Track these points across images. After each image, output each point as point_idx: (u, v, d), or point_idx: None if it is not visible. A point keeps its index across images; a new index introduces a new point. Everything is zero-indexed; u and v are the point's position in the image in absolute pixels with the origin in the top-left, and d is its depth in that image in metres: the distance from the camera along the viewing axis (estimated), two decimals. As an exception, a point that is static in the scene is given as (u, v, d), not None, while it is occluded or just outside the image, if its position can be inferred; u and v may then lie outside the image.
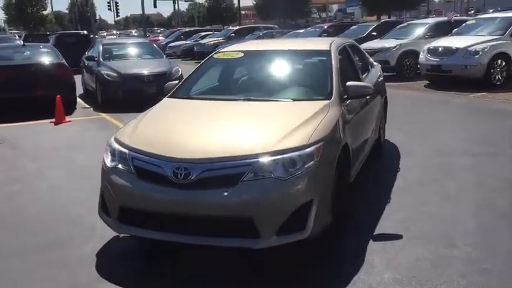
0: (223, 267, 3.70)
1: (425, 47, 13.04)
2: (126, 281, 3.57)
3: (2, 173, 6.37)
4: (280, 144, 3.62)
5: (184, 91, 4.91)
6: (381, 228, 4.24)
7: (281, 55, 5.24)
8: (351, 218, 4.33)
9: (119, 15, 55.55)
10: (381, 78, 6.53)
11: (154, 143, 3.83)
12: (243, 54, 5.21)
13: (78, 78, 12.82)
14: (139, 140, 3.92)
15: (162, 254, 3.89)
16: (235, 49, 5.35)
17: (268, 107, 4.38)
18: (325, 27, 21.07)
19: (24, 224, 4.64)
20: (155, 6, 69.73)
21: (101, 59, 11.73)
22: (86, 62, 12.55)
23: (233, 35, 25.62)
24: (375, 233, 4.15)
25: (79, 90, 13.01)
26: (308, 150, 3.60)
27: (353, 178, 4.67)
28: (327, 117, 4.04)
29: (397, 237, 4.05)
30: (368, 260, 3.69)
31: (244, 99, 4.55)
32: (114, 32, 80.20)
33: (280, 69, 5.11)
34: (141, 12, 46.47)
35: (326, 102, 4.29)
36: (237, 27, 29.77)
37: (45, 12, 58.30)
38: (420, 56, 13.21)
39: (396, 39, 15.20)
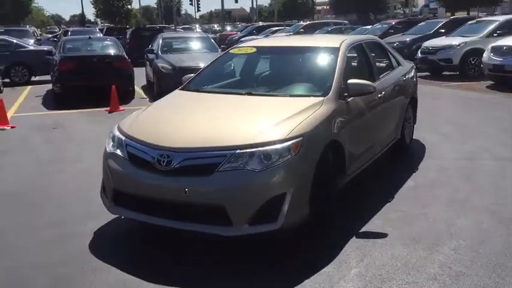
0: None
1: (490, 46, 12.42)
2: (113, 257, 3.86)
3: (45, 155, 6.97)
4: (258, 137, 3.75)
5: (195, 84, 5.15)
6: (370, 226, 4.25)
7: (291, 52, 5.35)
8: (341, 214, 4.39)
9: (199, 10, 57.32)
10: (407, 78, 6.38)
11: (146, 131, 4.11)
12: (256, 50, 5.38)
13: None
14: (136, 128, 4.22)
15: (159, 238, 4.15)
16: (251, 45, 5.51)
17: (264, 102, 4.51)
18: (393, 23, 20.53)
19: (44, 202, 5.09)
20: (236, 1, 70.93)
21: (159, 52, 12.31)
22: (147, 55, 13.20)
23: (302, 30, 25.61)
24: (361, 231, 4.18)
25: (143, 81, 13.76)
26: (284, 144, 3.71)
27: (351, 177, 4.70)
28: (315, 114, 4.12)
29: (382, 236, 4.06)
30: (342, 255, 3.74)
31: (245, 93, 4.72)
32: (197, 25, 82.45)
33: (287, 65, 5.22)
34: (224, 7, 47.74)
35: (320, 98, 4.36)
36: (306, 23, 29.69)
37: (131, 7, 61.74)
38: (484, 55, 12.59)
39: (462, 36, 14.57)
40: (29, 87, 14.79)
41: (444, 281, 3.37)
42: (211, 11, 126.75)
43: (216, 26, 78.99)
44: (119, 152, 4.08)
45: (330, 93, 4.45)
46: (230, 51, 5.58)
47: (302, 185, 3.76)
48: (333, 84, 4.54)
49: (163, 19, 64.49)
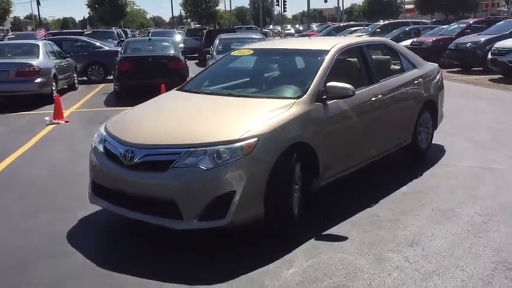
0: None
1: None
2: (83, 243, 4.21)
3: (82, 147, 7.54)
4: (212, 136, 3.91)
5: (190, 84, 5.41)
6: (337, 229, 4.24)
7: (284, 54, 5.44)
8: (313, 214, 4.43)
9: (285, 11, 57.61)
10: (423, 81, 6.14)
11: (121, 127, 4.43)
12: (252, 52, 5.52)
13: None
14: (116, 124, 4.56)
15: (138, 232, 4.44)
16: (250, 47, 5.66)
17: (239, 103, 4.63)
18: (471, 22, 19.48)
19: (55, 189, 5.59)
20: (326, 1, 70.63)
21: (214, 52, 12.75)
22: (206, 55, 13.70)
23: (378, 30, 25.05)
24: (324, 233, 4.19)
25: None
26: (236, 145, 3.84)
27: (329, 180, 4.70)
28: (281, 115, 4.19)
29: (341, 239, 4.05)
30: (290, 255, 3.80)
31: (227, 95, 4.88)
32: (289, 26, 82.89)
33: (276, 68, 5.30)
34: (315, 7, 48.04)
35: (292, 101, 4.42)
36: (384, 23, 28.93)
37: (218, 8, 64.21)
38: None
39: (538, 38, 13.59)
40: (102, 85, 15.89)
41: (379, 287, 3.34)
42: (303, 11, 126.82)
43: (298, 26, 78.93)
44: (100, 146, 4.42)
45: (305, 95, 4.49)
46: (231, 53, 5.76)
47: (253, 185, 3.86)
48: (311, 86, 4.57)
49: (253, 19, 65.75)
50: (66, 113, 10.38)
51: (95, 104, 12.05)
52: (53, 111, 9.75)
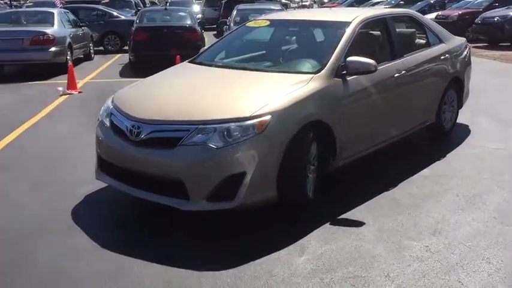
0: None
1: None
2: (86, 222, 4.05)
3: (94, 117, 7.39)
4: (223, 113, 3.67)
5: (202, 56, 5.13)
6: (353, 214, 4.00)
7: (303, 26, 5.12)
8: (328, 197, 4.20)
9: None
10: (449, 57, 5.77)
11: (129, 101, 4.20)
12: (269, 23, 5.21)
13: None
14: (123, 98, 4.33)
15: (143, 212, 4.25)
16: (266, 18, 5.35)
17: (253, 78, 4.36)
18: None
19: (63, 162, 5.42)
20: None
21: (231, 23, 12.41)
22: (223, 26, 13.36)
23: (402, 2, 24.21)
24: (339, 217, 3.95)
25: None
26: (248, 122, 3.59)
27: (347, 161, 4.45)
28: (297, 92, 3.92)
29: (357, 225, 3.82)
30: (304, 240, 3.58)
31: (240, 68, 4.61)
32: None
33: (294, 40, 5.00)
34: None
35: (310, 76, 4.13)
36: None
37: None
38: None
39: None
40: (119, 55, 15.67)
41: (398, 279, 3.11)
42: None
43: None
44: (106, 120, 4.21)
45: (324, 70, 4.20)
46: (246, 24, 5.46)
47: (266, 165, 3.62)
48: (330, 61, 4.27)
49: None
50: (80, 84, 10.22)
51: (110, 74, 11.85)
52: (66, 82, 9.59)
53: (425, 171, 4.91)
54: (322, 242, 3.56)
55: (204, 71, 4.75)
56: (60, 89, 9.38)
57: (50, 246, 3.62)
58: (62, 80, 10.36)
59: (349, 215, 3.98)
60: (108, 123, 4.16)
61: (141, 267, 3.30)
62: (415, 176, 4.79)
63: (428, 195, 4.36)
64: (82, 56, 14.01)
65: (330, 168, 4.32)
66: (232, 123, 3.59)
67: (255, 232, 3.76)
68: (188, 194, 3.58)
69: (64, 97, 9.06)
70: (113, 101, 4.31)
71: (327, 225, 3.81)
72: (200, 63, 4.94)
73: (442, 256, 3.36)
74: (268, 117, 3.64)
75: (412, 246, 3.50)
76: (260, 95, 3.90)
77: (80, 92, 9.44)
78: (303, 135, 3.83)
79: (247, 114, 3.62)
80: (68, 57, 11.95)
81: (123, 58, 14.52)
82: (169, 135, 3.70)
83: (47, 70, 11.41)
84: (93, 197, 4.44)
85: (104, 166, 4.17)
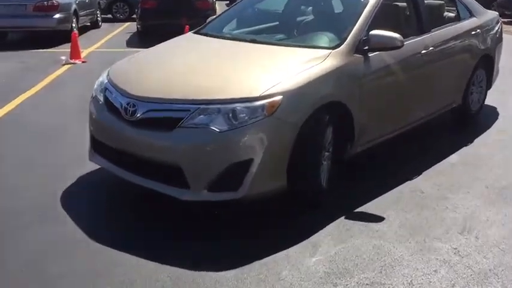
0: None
1: None
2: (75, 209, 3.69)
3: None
4: (228, 92, 3.24)
5: (209, 27, 4.67)
6: (371, 206, 3.59)
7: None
8: (344, 187, 3.80)
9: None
10: (480, 33, 5.26)
11: (125, 75, 3.79)
12: (283, -10, 4.73)
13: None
14: (120, 71, 3.92)
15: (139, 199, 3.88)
16: (281, -15, 4.86)
17: (263, 52, 3.90)
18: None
19: (59, 139, 5.03)
20: None
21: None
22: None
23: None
24: (355, 210, 3.55)
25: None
26: (257, 103, 3.16)
27: (366, 147, 4.02)
28: (312, 69, 3.48)
29: (376, 220, 3.41)
30: (315, 238, 3.19)
31: (249, 41, 4.15)
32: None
33: (310, 11, 4.52)
34: None
35: (327, 51, 3.68)
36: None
37: None
38: None
39: None
40: (127, 24, 15.19)
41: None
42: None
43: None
44: (100, 96, 3.81)
45: (343, 45, 3.74)
46: (259, -8, 4.98)
47: (275, 152, 3.21)
48: (351, 34, 3.81)
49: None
50: (84, 53, 9.80)
51: (117, 44, 11.40)
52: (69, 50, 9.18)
53: (452, 158, 4.48)
54: (336, 239, 3.17)
55: (209, 43, 4.30)
56: (63, 58, 8.97)
57: (30, 237, 3.24)
58: (66, 48, 9.89)
59: (367, 208, 3.58)
60: (102, 100, 3.75)
61: (133, 264, 2.92)
62: (441, 163, 4.36)
63: (456, 186, 3.94)
64: (89, 23, 13.55)
65: (347, 154, 3.91)
66: (239, 104, 3.16)
67: (261, 226, 3.36)
68: (188, 183, 3.19)
69: (66, 67, 8.66)
70: (108, 75, 3.90)
71: (342, 219, 3.41)
72: (206, 34, 4.48)
73: (473, 261, 2.96)
74: (279, 97, 3.21)
75: (438, 247, 3.09)
76: (271, 72, 3.47)
77: (83, 62, 9.02)
78: (318, 118, 3.41)
79: (256, 94, 3.19)
80: (73, 25, 11.51)
81: (132, 27, 14.02)
82: (167, 115, 3.29)
83: (51, 38, 11.00)
84: (87, 180, 4.06)
85: (98, 147, 3.78)
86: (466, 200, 3.72)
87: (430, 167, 4.28)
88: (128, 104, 3.43)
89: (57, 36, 10.97)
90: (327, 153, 3.63)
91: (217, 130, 3.13)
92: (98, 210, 3.66)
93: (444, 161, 4.41)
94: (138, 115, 3.36)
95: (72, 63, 8.86)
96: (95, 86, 3.95)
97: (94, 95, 3.90)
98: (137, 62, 4.11)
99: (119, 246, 3.08)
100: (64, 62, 8.87)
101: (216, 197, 3.22)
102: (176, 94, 3.33)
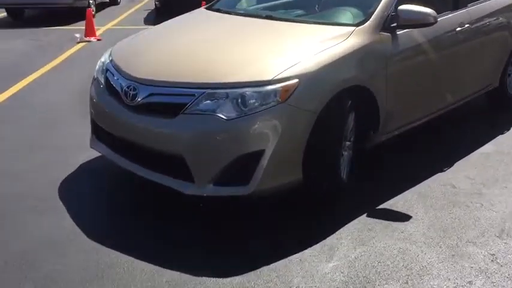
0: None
1: None
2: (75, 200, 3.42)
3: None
4: (237, 75, 2.90)
5: (222, 2, 4.28)
6: (397, 202, 3.24)
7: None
8: (367, 179, 3.44)
9: None
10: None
11: (127, 55, 3.48)
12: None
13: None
14: (123, 51, 3.60)
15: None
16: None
17: (279, 29, 3.51)
18: None
19: (63, 121, 4.77)
20: None
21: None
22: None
23: None
24: (379, 207, 3.20)
25: None
26: (269, 87, 2.81)
27: (392, 134, 3.65)
28: (333, 49, 3.10)
29: (402, 219, 3.06)
30: (333, 239, 2.84)
31: (265, 17, 3.76)
32: None
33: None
34: None
35: (351, 29, 3.28)
36: None
37: None
38: None
39: None
40: (147, 0, 14.83)
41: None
42: None
43: None
44: (101, 78, 3.50)
45: (368, 22, 3.34)
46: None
47: (290, 142, 2.86)
48: (377, 9, 3.40)
49: None
50: (100, 30, 9.54)
51: (134, 21, 11.08)
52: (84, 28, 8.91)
53: (487, 148, 4.06)
54: (356, 241, 2.83)
55: (221, 19, 3.92)
56: (77, 35, 8.70)
57: (20, 230, 2.98)
58: (82, 26, 9.59)
59: (391, 204, 3.22)
60: (103, 82, 3.45)
61: (128, 266, 2.63)
62: (475, 153, 3.96)
63: (491, 180, 3.55)
64: (107, 0, 13.24)
65: (370, 143, 3.54)
66: (249, 88, 2.82)
67: (271, 226, 3.03)
68: (192, 175, 2.88)
69: (81, 45, 8.40)
70: (110, 55, 3.58)
71: (364, 217, 3.06)
72: (218, 10, 4.10)
73: (514, 270, 2.60)
74: (295, 81, 2.85)
75: (473, 253, 2.73)
76: (286, 52, 3.09)
77: (98, 40, 8.74)
78: (339, 104, 3.05)
79: (269, 77, 2.84)
80: (91, 1, 11.21)
81: (151, 3, 13.65)
82: (169, 101, 2.97)
83: (69, 15, 10.75)
84: (89, 167, 3.78)
85: (99, 133, 3.49)
86: (503, 196, 3.33)
87: (462, 157, 3.88)
88: (128, 87, 3.11)
89: (75, 13, 10.70)
90: (347, 143, 3.28)
91: (225, 118, 2.79)
92: (98, 203, 3.37)
93: (477, 151, 4.00)
94: (139, 99, 3.04)
95: (87, 41, 8.60)
96: (97, 67, 3.64)
97: (95, 76, 3.59)
98: (141, 41, 3.78)
99: (115, 246, 2.79)
100: (78, 40, 8.62)
101: (223, 191, 2.90)
102: (180, 77, 2.99)
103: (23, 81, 6.13)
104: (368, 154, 3.59)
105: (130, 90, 3.09)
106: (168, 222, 3.08)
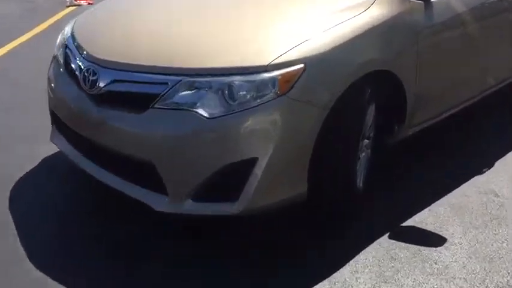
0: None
1: None
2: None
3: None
4: (223, 58, 2.20)
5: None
6: (425, 217, 2.58)
7: None
8: (387, 189, 2.78)
9: None
10: None
11: (91, 29, 2.78)
12: None
13: None
14: (86, 22, 2.90)
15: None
16: None
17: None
18: None
19: (31, 100, 4.06)
20: None
21: None
22: None
23: None
24: (404, 224, 2.55)
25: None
26: (265, 75, 2.12)
27: (420, 128, 2.96)
28: (349, 23, 2.38)
29: (434, 241, 2.41)
30: (346, 272, 2.20)
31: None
32: None
33: None
34: None
35: (374, -7, 2.55)
36: None
37: None
38: None
39: None
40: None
41: None
42: None
43: None
44: (60, 56, 2.82)
45: (396, -14, 2.61)
46: None
47: (292, 146, 2.19)
48: (407, -32, 2.67)
49: None
50: (93, -8, 8.77)
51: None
52: (76, -11, 8.15)
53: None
54: (375, 277, 2.18)
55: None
56: (67, -1, 7.97)
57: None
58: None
59: (419, 220, 2.56)
60: (62, 61, 2.77)
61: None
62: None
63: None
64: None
65: (393, 139, 2.87)
66: (239, 76, 2.13)
67: (266, 252, 2.37)
68: (165, 187, 2.24)
69: (70, 8, 7.66)
70: (73, 27, 2.89)
71: (385, 240, 2.41)
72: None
73: None
74: (299, 66, 2.15)
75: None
76: (288, 27, 2.37)
77: (89, 4, 7.98)
78: (357, 95, 2.36)
79: (265, 62, 2.14)
80: (86, -40, 10.37)
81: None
82: (137, 90, 2.28)
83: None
84: (54, 163, 3.13)
85: (59, 124, 2.83)
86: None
87: (504, 154, 3.20)
88: (87, 71, 2.44)
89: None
90: (366, 141, 2.61)
91: (206, 115, 2.12)
92: (56, 211, 2.73)
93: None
94: (100, 87, 2.37)
95: (77, 5, 7.85)
96: (57, 41, 2.96)
97: (56, 53, 2.92)
98: (108, 12, 3.02)
99: (68, 281, 2.18)
100: (68, 3, 7.88)
101: (205, 209, 2.24)
102: (151, 59, 2.29)
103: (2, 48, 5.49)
104: (390, 152, 2.92)
105: (90, 74, 2.41)
106: (141, 246, 2.43)
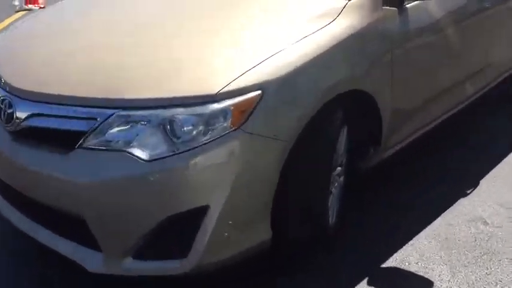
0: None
1: None
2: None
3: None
4: (164, 87, 1.81)
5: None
6: (408, 254, 2.26)
7: None
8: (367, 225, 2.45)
9: None
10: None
11: (10, 50, 2.35)
12: None
13: None
14: (7, 40, 2.48)
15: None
16: None
17: (233, 9, 2.29)
18: None
19: None
20: None
21: None
22: None
23: None
24: (384, 265, 2.22)
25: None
26: (214, 106, 1.74)
27: (398, 147, 2.64)
28: (316, 36, 2.02)
29: (420, 284, 2.08)
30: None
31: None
32: None
33: None
34: None
35: (341, 3, 2.18)
36: None
37: None
38: None
39: None
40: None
41: None
42: None
43: None
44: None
45: (365, -8, 2.28)
46: None
47: (249, 190, 1.82)
48: (378, -27, 2.33)
49: None
50: (45, -4, 8.24)
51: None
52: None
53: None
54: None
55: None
56: (16, 3, 7.44)
57: None
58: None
59: (400, 259, 2.22)
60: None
61: None
62: (500, 165, 2.98)
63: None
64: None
65: (368, 164, 2.53)
66: (182, 109, 1.75)
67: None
68: (98, 244, 1.85)
69: (20, 13, 7.15)
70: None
71: (363, 285, 2.09)
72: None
73: None
74: (255, 93, 1.78)
75: None
76: (241, 47, 1.98)
77: (41, 8, 7.47)
78: (326, 120, 2.01)
79: (213, 90, 1.76)
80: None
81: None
82: (60, 126, 1.88)
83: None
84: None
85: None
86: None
87: (490, 170, 2.91)
88: (2, 102, 2.03)
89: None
90: (338, 169, 2.27)
91: (144, 157, 1.73)
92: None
93: (504, 160, 3.04)
94: (17, 122, 1.96)
95: (28, 9, 7.33)
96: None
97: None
98: (34, 29, 2.58)
99: None
100: (17, 8, 7.37)
101: (147, 269, 1.85)
102: (78, 88, 1.90)
103: None
104: (363, 178, 2.59)
105: (6, 106, 2.00)
106: None
